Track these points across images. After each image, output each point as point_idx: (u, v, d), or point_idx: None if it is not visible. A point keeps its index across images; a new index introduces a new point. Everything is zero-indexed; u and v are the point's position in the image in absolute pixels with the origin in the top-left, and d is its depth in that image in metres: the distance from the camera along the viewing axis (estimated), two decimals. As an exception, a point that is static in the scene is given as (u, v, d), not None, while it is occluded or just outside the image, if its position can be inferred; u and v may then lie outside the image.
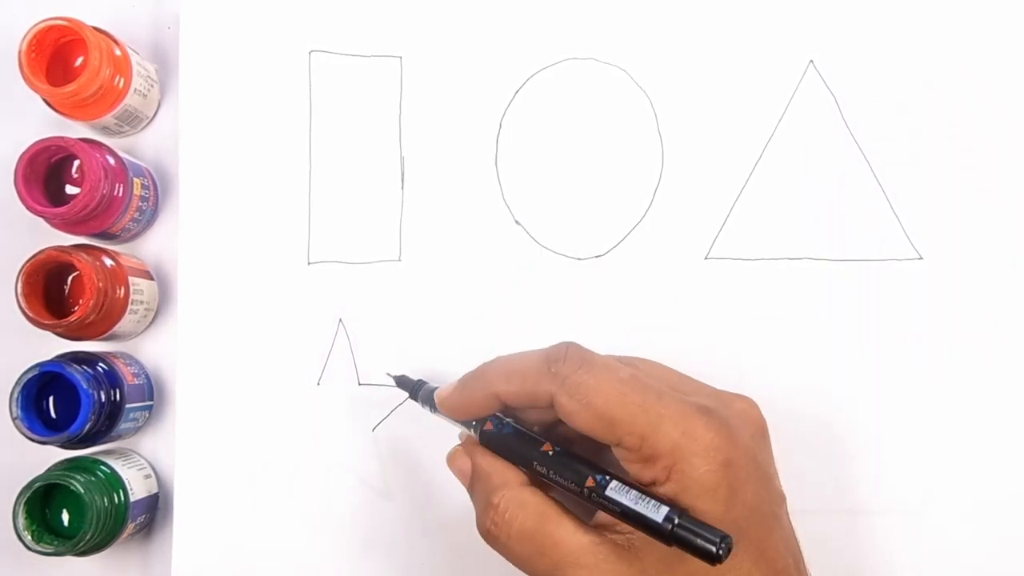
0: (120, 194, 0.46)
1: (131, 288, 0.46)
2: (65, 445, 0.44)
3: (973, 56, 0.47)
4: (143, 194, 0.47)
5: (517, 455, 0.38)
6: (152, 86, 0.49)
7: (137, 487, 0.46)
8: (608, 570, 0.34)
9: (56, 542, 0.43)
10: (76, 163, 0.47)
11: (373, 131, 0.48)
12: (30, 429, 0.43)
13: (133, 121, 0.49)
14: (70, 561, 0.47)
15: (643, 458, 0.35)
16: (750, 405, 0.38)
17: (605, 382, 0.36)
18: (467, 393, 0.39)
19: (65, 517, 0.45)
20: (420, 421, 0.42)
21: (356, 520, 0.46)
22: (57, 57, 0.47)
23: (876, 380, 0.46)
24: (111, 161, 0.45)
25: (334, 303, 0.47)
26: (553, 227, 0.48)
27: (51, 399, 0.46)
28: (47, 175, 0.46)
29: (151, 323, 0.49)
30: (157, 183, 0.49)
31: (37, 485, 0.43)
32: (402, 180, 0.48)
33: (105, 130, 0.49)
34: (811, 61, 0.48)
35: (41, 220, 0.45)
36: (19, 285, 0.44)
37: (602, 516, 0.36)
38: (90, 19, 0.45)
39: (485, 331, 0.47)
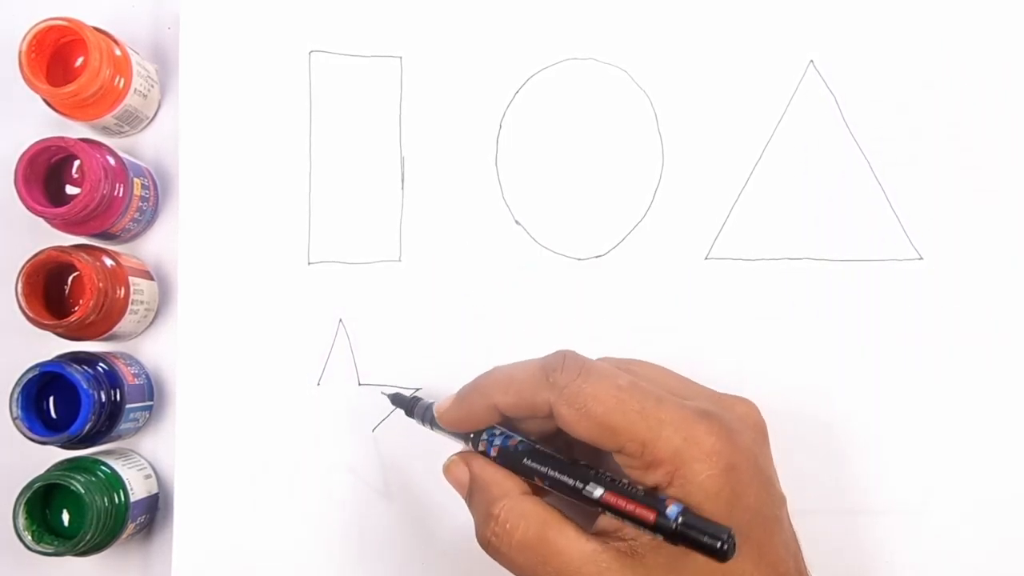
0: (120, 194, 0.46)
1: (131, 288, 0.46)
2: (65, 445, 0.44)
3: (973, 56, 0.47)
4: (143, 194, 0.47)
5: (517, 464, 0.38)
6: (152, 86, 0.49)
7: (137, 487, 0.46)
8: None
9: (56, 542, 0.43)
10: (76, 163, 0.47)
11: (373, 131, 0.48)
12: (30, 429, 0.43)
13: (133, 121, 0.49)
14: (70, 561, 0.47)
15: (645, 464, 0.35)
16: (751, 408, 0.38)
17: (604, 389, 0.36)
18: (466, 406, 0.39)
19: (65, 517, 0.45)
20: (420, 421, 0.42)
21: (356, 520, 0.46)
22: (57, 57, 0.47)
23: (876, 380, 0.46)
24: (111, 161, 0.45)
25: (334, 303, 0.47)
26: (553, 227, 0.48)
27: (51, 399, 0.46)
28: (47, 175, 0.46)
29: (151, 323, 0.49)
30: (157, 183, 0.49)
31: (37, 485, 0.43)
32: (402, 180, 0.48)
33: (105, 130, 0.49)
34: (811, 61, 0.48)
35: (41, 220, 0.45)
36: (19, 285, 0.44)
37: (603, 523, 0.36)
38: (90, 19, 0.45)
39: (485, 331, 0.47)
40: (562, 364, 0.37)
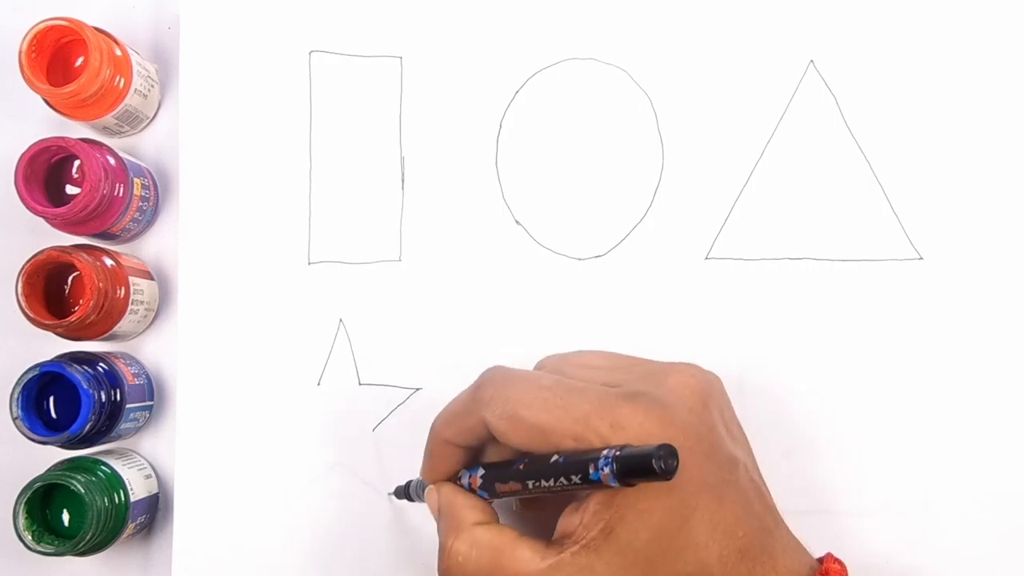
0: (120, 194, 0.46)
1: (131, 288, 0.46)
2: (65, 445, 0.44)
3: (973, 56, 0.47)
4: (143, 194, 0.47)
5: (492, 490, 0.38)
6: (152, 86, 0.49)
7: (137, 487, 0.46)
8: None
9: (56, 542, 0.43)
10: (76, 163, 0.47)
11: (373, 131, 0.48)
12: (30, 429, 0.43)
13: (133, 121, 0.49)
14: (70, 561, 0.47)
15: None
16: (687, 376, 0.37)
17: (528, 393, 0.36)
18: (427, 454, 0.40)
19: (65, 517, 0.45)
20: (420, 422, 0.42)
21: (356, 520, 0.46)
22: (57, 57, 0.47)
23: (876, 380, 0.46)
24: (111, 161, 0.45)
25: (334, 303, 0.47)
26: (553, 227, 0.48)
27: (51, 399, 0.46)
28: (47, 175, 0.46)
29: (151, 323, 0.49)
30: (157, 183, 0.49)
31: (37, 485, 0.43)
32: (402, 180, 0.48)
33: (105, 130, 0.49)
34: (811, 61, 0.48)
35: (41, 220, 0.45)
36: (19, 285, 0.44)
37: (563, 526, 0.36)
38: (90, 19, 0.45)
39: (485, 331, 0.47)
40: (488, 380, 0.37)
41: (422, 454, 0.41)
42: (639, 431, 0.34)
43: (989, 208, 0.47)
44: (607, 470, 0.33)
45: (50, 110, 0.47)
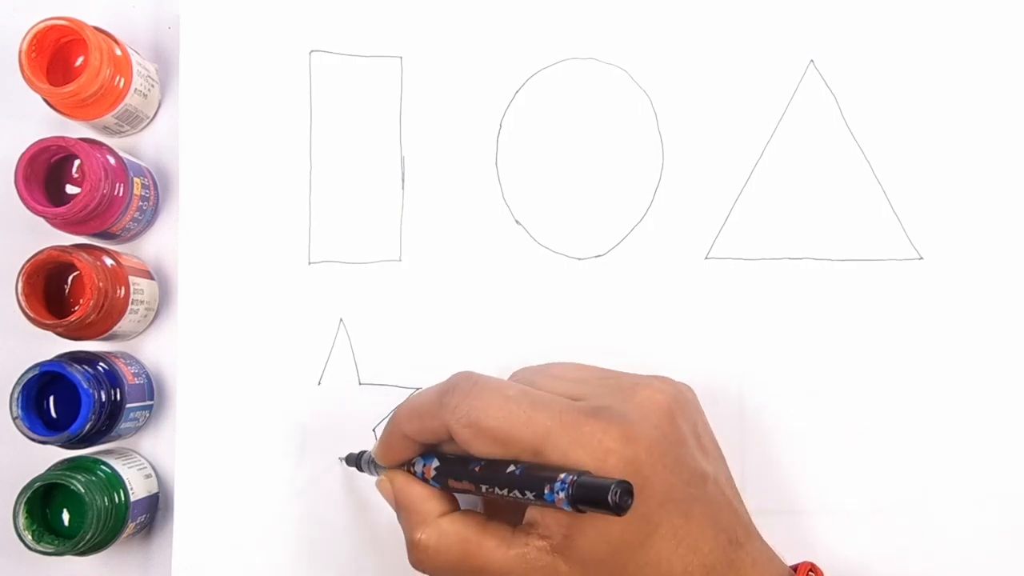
0: (120, 194, 0.46)
1: (131, 288, 0.46)
2: (65, 445, 0.44)
3: (973, 56, 0.47)
4: (143, 194, 0.47)
5: (445, 483, 0.38)
6: (152, 86, 0.49)
7: (137, 487, 0.46)
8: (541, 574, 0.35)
9: (56, 542, 0.43)
10: (76, 163, 0.47)
11: (373, 131, 0.48)
12: (30, 429, 0.43)
13: (133, 121, 0.49)
14: (70, 561, 0.47)
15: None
16: (655, 390, 0.37)
17: (492, 403, 0.36)
18: (384, 440, 0.40)
19: (65, 517, 0.45)
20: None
21: (356, 520, 0.46)
22: (57, 57, 0.47)
23: (876, 380, 0.46)
24: (111, 161, 0.45)
25: (334, 303, 0.47)
26: (553, 227, 0.48)
27: (51, 399, 0.46)
28: (47, 175, 0.46)
29: (151, 323, 0.49)
30: (157, 183, 0.49)
31: (37, 485, 0.43)
32: (402, 180, 0.48)
33: (105, 130, 0.49)
34: (811, 61, 0.48)
35: (41, 220, 0.45)
36: (19, 285, 0.44)
37: (530, 514, 0.36)
38: (90, 19, 0.45)
39: (485, 331, 0.47)
40: (455, 385, 0.37)
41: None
42: (597, 449, 0.34)
43: (989, 208, 0.47)
44: (562, 495, 0.33)
45: (50, 110, 0.47)
